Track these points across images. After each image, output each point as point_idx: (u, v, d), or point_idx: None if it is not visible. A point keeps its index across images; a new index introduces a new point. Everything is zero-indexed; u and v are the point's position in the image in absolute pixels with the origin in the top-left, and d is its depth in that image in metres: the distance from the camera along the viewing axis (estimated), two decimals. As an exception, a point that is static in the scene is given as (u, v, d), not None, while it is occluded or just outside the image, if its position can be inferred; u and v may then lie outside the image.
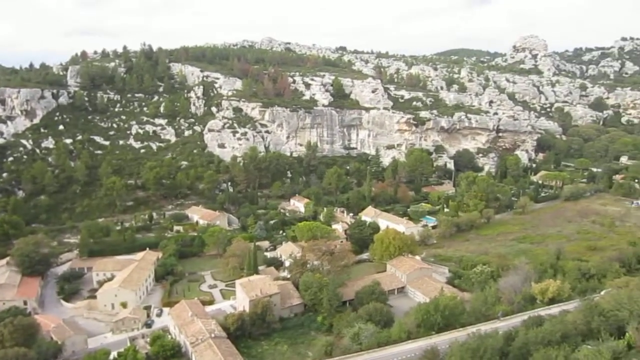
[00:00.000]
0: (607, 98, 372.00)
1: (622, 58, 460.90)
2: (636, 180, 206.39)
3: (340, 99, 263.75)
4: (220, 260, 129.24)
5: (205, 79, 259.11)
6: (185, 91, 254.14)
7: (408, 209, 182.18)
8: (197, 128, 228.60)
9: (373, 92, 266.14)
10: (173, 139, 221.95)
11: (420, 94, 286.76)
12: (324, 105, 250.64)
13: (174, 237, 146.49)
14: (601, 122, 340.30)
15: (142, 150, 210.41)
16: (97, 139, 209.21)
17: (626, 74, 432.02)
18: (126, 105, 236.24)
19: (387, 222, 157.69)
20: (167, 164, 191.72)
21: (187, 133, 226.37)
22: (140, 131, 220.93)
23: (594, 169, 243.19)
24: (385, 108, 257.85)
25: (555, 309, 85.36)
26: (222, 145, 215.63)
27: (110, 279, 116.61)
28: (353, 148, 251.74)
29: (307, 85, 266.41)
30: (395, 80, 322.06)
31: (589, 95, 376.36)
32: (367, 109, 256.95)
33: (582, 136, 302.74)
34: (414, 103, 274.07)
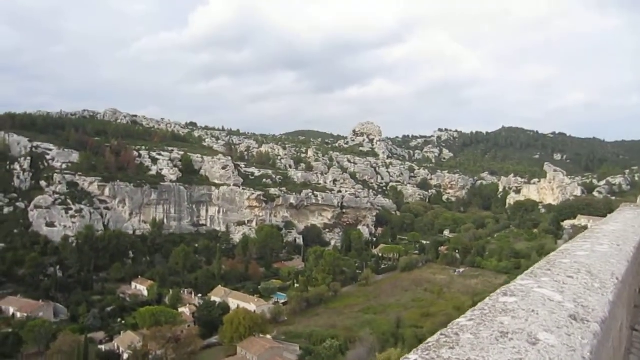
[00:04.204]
0: (431, 179, 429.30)
1: (440, 146, 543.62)
2: (456, 251, 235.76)
3: (190, 174, 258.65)
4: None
5: (34, 149, 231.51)
6: (8, 162, 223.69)
7: (259, 286, 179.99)
8: (21, 204, 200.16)
9: (224, 168, 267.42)
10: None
11: (270, 172, 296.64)
12: (171, 181, 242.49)
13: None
14: (427, 200, 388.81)
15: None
16: None
17: (444, 159, 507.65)
18: None
19: (238, 301, 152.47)
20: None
21: (6, 210, 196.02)
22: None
23: (424, 242, 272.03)
24: (235, 185, 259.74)
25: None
26: (51, 224, 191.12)
27: None
28: (202, 225, 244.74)
29: (154, 160, 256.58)
30: (246, 157, 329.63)
31: (417, 177, 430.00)
32: (218, 186, 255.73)
33: (413, 212, 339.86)
34: (264, 180, 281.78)
